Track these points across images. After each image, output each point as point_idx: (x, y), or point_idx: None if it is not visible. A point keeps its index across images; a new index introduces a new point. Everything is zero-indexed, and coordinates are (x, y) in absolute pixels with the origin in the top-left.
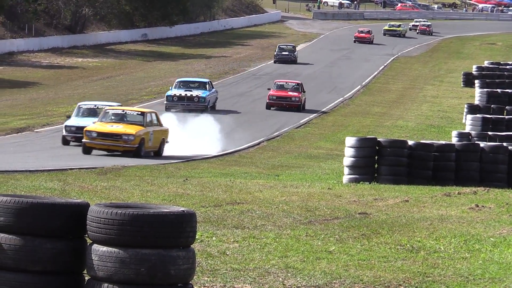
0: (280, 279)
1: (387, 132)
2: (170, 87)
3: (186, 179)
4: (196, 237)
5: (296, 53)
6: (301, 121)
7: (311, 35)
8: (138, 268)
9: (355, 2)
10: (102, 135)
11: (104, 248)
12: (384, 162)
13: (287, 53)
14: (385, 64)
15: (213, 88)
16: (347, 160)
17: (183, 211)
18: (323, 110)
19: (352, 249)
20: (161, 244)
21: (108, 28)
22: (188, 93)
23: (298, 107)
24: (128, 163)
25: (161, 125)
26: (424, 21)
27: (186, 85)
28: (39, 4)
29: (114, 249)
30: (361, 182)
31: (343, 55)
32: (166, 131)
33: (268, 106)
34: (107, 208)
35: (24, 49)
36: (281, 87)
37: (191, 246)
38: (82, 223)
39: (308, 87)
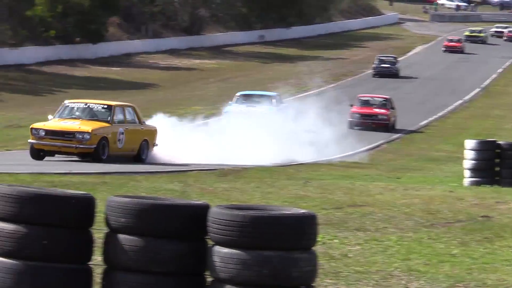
0: (403, 282)
1: (508, 135)
2: (230, 102)
3: (307, 181)
4: (318, 239)
5: (398, 65)
6: (420, 124)
7: (428, 38)
8: (260, 270)
9: (472, 4)
10: (51, 133)
11: (226, 250)
12: (505, 165)
13: (387, 65)
14: (504, 67)
15: (282, 103)
16: (468, 162)
17: (304, 213)
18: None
19: (475, 252)
20: (282, 246)
21: (224, 29)
22: (251, 109)
23: (386, 126)
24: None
25: (141, 123)
26: (507, 27)
27: (249, 99)
28: (155, 6)
29: (235, 250)
30: (482, 185)
31: (460, 57)
32: (150, 131)
33: (351, 125)
34: (228, 209)
35: (141, 50)
36: (365, 103)
37: (313, 248)
38: (203, 225)
39: (426, 89)
